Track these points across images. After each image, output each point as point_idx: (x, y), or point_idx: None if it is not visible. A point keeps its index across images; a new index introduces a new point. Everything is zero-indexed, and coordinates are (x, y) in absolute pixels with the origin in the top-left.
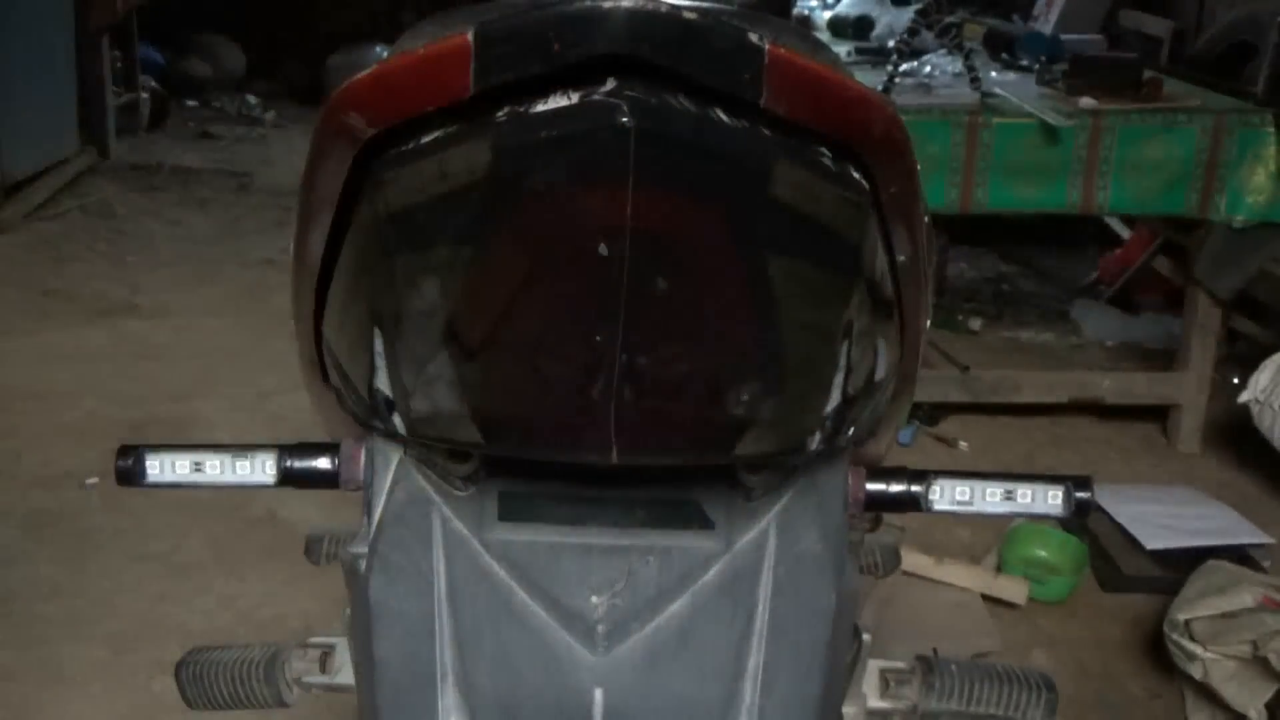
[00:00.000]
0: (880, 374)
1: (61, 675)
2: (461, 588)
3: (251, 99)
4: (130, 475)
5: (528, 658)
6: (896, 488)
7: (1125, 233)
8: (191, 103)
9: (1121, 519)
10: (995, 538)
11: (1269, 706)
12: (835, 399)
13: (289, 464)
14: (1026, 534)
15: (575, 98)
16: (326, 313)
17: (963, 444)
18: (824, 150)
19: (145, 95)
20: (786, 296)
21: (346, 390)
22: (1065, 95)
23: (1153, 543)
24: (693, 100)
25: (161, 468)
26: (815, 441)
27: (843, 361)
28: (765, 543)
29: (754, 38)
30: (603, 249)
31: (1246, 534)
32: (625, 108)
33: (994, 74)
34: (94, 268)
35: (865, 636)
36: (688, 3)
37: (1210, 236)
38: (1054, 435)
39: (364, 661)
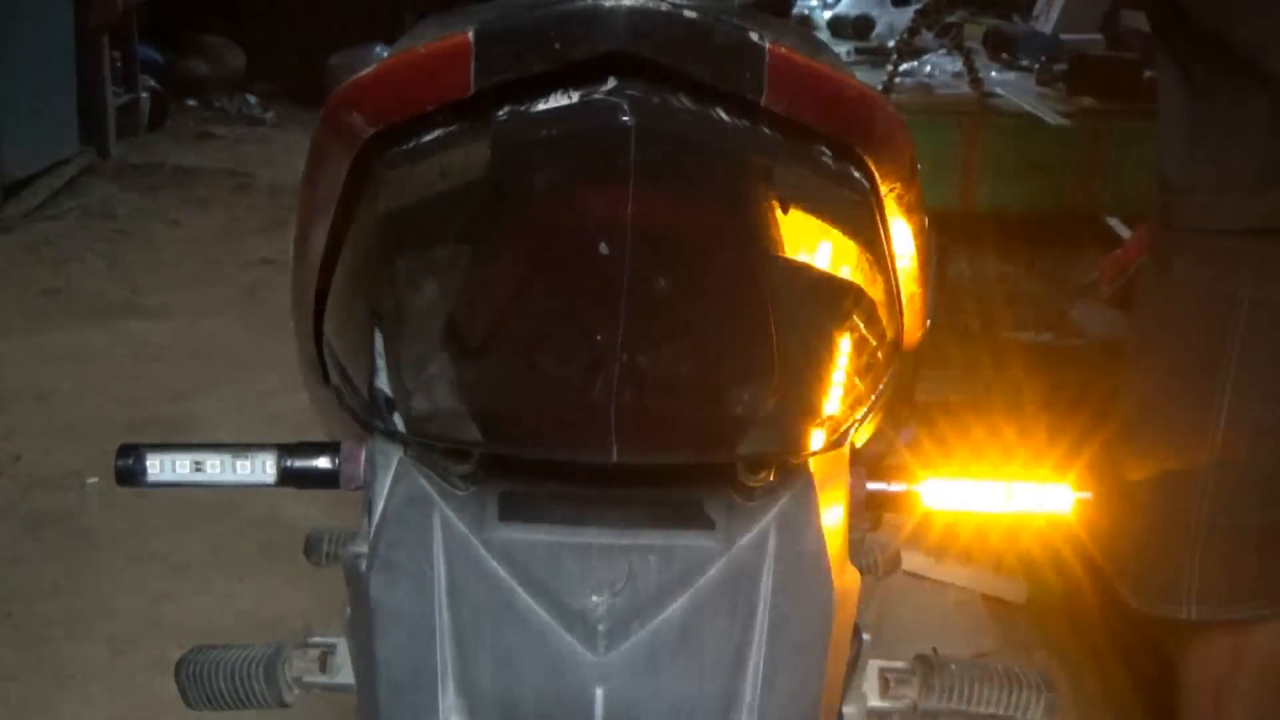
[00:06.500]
0: (881, 374)
1: (61, 675)
2: (462, 587)
3: (251, 99)
4: (130, 475)
5: (528, 657)
6: (896, 488)
7: (1125, 233)
8: (191, 103)
9: None
10: (995, 538)
11: None
12: (836, 398)
13: (289, 464)
14: (1026, 534)
15: (576, 96)
16: (326, 313)
17: (963, 444)
18: (825, 149)
19: (145, 95)
20: (787, 295)
21: (347, 390)
22: (1065, 95)
23: None
24: (694, 99)
25: (161, 467)
26: (816, 441)
27: (843, 361)
28: (765, 542)
29: (755, 37)
30: (603, 248)
31: None
32: (626, 106)
33: (994, 74)
34: (94, 268)
35: (865, 636)
36: (688, 2)
37: None
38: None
39: (364, 661)
